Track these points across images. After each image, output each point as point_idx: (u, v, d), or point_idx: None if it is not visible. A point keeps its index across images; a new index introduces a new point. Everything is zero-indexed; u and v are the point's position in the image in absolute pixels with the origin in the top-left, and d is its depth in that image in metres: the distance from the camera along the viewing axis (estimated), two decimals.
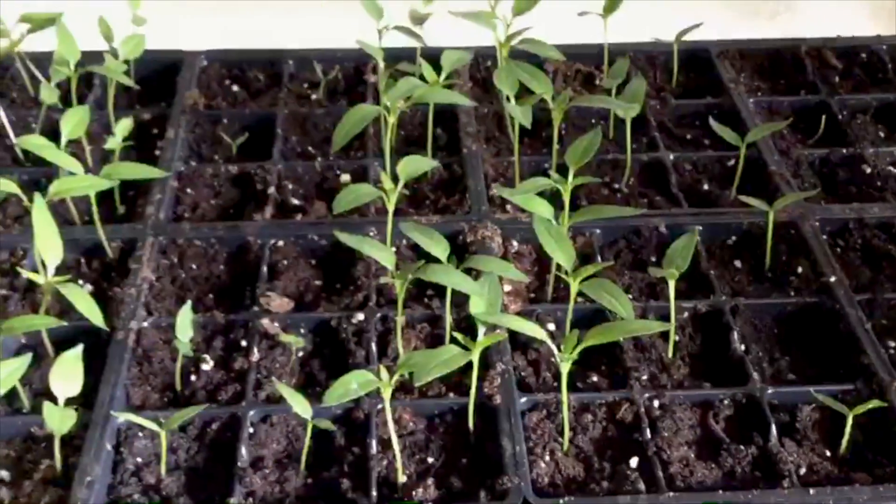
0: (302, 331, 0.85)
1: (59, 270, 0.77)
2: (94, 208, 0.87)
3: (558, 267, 0.83)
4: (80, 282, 0.88)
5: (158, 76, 1.15)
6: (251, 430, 0.76)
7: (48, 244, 0.75)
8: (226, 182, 1.02)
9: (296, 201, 1.00)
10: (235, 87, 1.17)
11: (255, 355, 0.82)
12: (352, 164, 1.04)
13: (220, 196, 1.01)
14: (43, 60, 1.05)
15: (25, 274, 0.77)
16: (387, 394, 0.68)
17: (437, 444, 0.77)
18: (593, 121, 1.09)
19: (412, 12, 1.06)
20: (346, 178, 1.03)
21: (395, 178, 0.84)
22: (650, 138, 1.07)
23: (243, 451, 0.74)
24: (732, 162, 1.03)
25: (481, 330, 0.71)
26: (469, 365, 0.71)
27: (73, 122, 0.89)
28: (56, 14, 1.01)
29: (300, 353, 0.83)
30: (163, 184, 0.98)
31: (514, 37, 1.00)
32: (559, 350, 0.70)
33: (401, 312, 0.80)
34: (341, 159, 1.05)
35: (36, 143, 0.84)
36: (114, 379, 0.78)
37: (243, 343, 0.84)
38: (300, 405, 0.72)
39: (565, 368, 0.70)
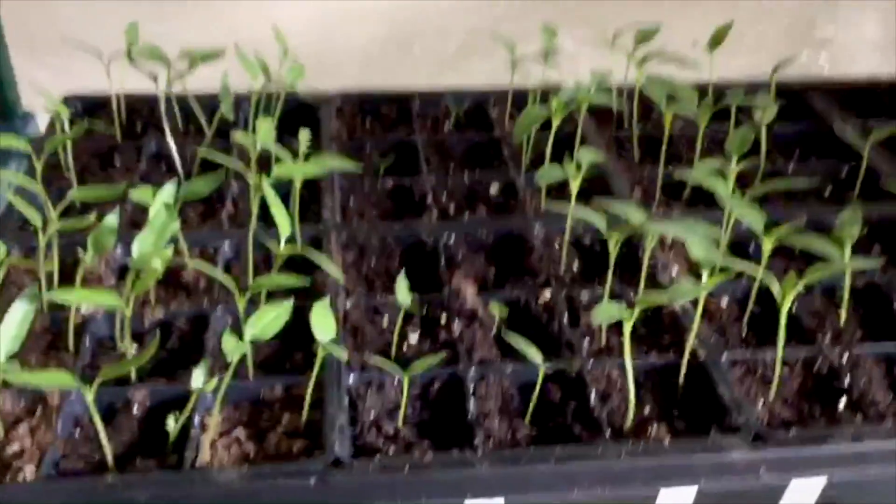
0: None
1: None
2: (296, 202, 0.92)
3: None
4: None
5: (298, 113, 1.23)
6: (472, 387, 0.80)
7: (281, 218, 0.81)
8: (383, 194, 1.09)
9: (452, 208, 1.06)
10: (370, 121, 1.25)
11: (456, 329, 0.87)
12: (498, 178, 1.11)
13: (379, 205, 1.07)
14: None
15: (271, 244, 0.81)
16: (627, 328, 0.73)
17: (648, 396, 0.81)
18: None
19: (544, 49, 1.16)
20: (494, 189, 1.10)
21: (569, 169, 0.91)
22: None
23: (470, 404, 0.78)
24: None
25: (705, 273, 0.76)
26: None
27: (265, 129, 0.95)
28: (218, 49, 1.10)
29: (494, 329, 0.88)
30: (331, 191, 1.04)
31: (646, 60, 1.11)
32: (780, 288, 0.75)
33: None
34: (486, 174, 1.12)
35: (246, 139, 0.90)
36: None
37: (442, 320, 0.88)
38: (533, 354, 0.76)
39: (784, 308, 0.75)
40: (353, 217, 1.04)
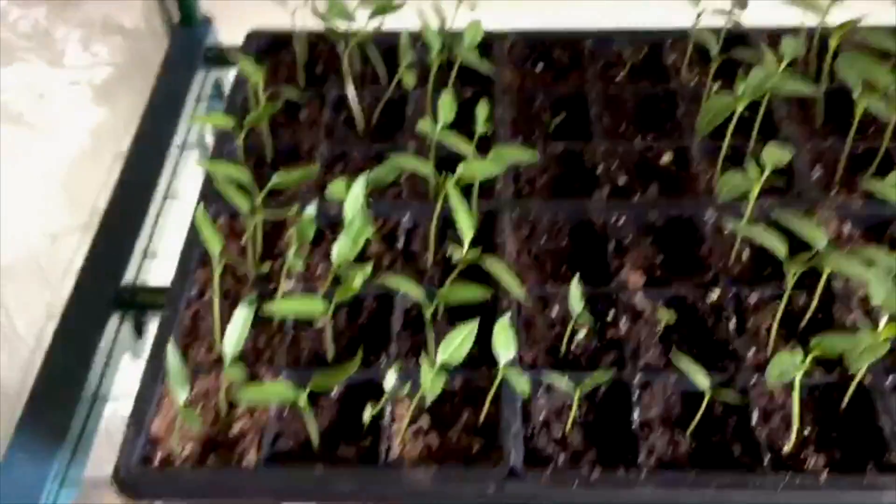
0: (659, 304, 0.93)
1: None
2: (475, 197, 0.96)
3: None
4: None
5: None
6: (636, 394, 0.85)
7: (465, 222, 0.85)
8: (552, 159, 1.10)
9: (621, 180, 1.07)
10: (540, 66, 1.24)
11: (623, 327, 0.91)
12: (671, 145, 1.10)
13: (549, 172, 1.09)
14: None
15: (452, 251, 0.86)
16: (798, 378, 0.75)
17: (807, 415, 0.84)
18: None
19: None
20: (667, 158, 1.09)
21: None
22: None
23: (635, 414, 0.84)
24: None
25: (883, 318, 0.77)
26: None
27: (447, 106, 0.98)
28: (400, 2, 1.11)
29: (661, 327, 0.92)
30: None
31: (849, 24, 1.04)
32: None
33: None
34: (660, 140, 1.11)
35: (430, 127, 0.94)
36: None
37: (610, 315, 0.93)
38: (700, 378, 0.80)
39: None
40: (524, 186, 1.07)
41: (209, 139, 1.40)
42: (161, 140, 1.33)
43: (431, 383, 0.73)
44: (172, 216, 1.28)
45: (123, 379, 1.10)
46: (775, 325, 0.87)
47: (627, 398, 0.85)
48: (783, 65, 1.00)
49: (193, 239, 1.00)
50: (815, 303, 0.88)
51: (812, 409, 0.85)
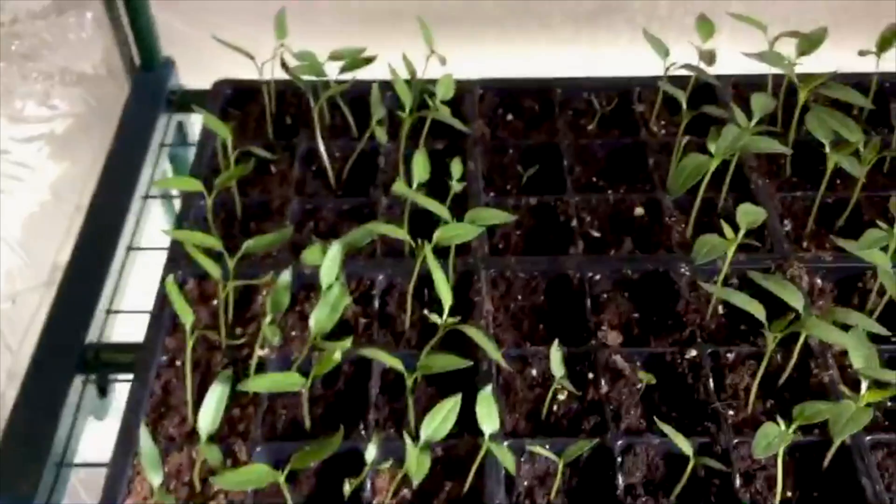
0: (638, 363, 0.93)
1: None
2: (453, 247, 0.95)
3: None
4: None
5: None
6: (619, 459, 0.85)
7: (444, 290, 0.84)
8: (526, 212, 1.10)
9: (595, 233, 1.07)
10: (510, 116, 1.24)
11: (603, 388, 0.90)
12: (642, 197, 1.10)
13: (524, 226, 1.09)
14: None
15: (428, 314, 0.85)
16: (781, 451, 0.75)
17: (788, 476, 0.84)
18: None
19: (702, 51, 1.12)
20: (639, 210, 1.10)
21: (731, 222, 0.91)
22: None
23: (619, 478, 0.83)
24: None
25: (864, 384, 0.77)
26: None
27: (421, 165, 0.97)
28: (371, 56, 1.10)
29: (641, 388, 0.91)
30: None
31: (816, 78, 1.05)
32: None
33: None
34: (632, 192, 1.11)
35: (404, 189, 0.93)
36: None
37: (590, 375, 0.92)
38: (683, 443, 0.80)
39: None
40: (499, 241, 1.06)
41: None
42: (123, 190, 1.29)
43: (417, 465, 0.71)
44: (137, 268, 1.24)
45: (86, 440, 1.07)
46: (755, 387, 0.87)
47: (611, 462, 0.84)
48: (753, 122, 1.01)
49: (162, 303, 0.97)
50: (792, 361, 0.89)
51: (793, 470, 0.85)
